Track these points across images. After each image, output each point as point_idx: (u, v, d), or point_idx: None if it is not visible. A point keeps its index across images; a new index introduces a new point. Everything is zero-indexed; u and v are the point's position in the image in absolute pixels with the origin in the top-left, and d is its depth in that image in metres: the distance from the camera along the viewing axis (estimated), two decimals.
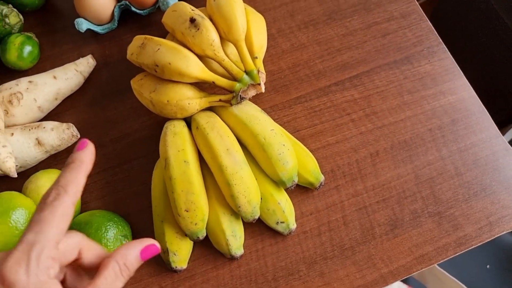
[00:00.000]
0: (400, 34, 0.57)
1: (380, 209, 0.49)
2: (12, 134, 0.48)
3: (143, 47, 0.45)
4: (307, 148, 0.51)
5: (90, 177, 0.50)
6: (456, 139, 0.52)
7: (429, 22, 0.57)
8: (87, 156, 0.28)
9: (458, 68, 0.55)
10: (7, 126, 0.50)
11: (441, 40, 0.56)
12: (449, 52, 0.56)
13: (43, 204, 0.26)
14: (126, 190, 0.50)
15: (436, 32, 0.57)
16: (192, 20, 0.44)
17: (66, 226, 0.26)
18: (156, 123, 0.53)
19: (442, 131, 0.52)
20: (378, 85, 0.54)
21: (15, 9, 0.54)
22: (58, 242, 0.26)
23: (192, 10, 0.45)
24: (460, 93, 0.54)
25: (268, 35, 0.57)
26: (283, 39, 0.57)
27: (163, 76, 0.44)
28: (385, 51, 0.56)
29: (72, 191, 0.27)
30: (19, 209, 0.42)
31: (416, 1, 0.58)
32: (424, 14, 0.58)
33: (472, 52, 1.12)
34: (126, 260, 0.28)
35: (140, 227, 0.49)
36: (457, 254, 0.47)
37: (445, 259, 0.47)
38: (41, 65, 0.56)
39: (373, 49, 0.56)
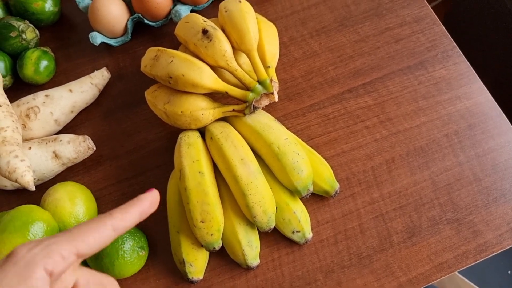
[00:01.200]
0: (413, 39, 0.56)
1: (397, 217, 0.48)
2: (30, 147, 0.49)
3: (156, 59, 0.45)
4: (322, 156, 0.50)
5: (106, 188, 0.51)
6: (473, 144, 0.51)
7: (443, 26, 0.57)
8: (147, 197, 0.30)
9: (474, 72, 0.54)
10: (24, 140, 0.51)
11: (455, 44, 0.56)
12: (463, 56, 0.55)
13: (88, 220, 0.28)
14: None
15: (450, 36, 0.56)
16: (205, 31, 0.44)
17: (95, 243, 0.26)
18: (169, 133, 0.54)
19: (459, 136, 0.51)
20: (392, 91, 0.54)
21: (31, 25, 0.55)
22: (79, 252, 0.26)
23: (204, 21, 0.45)
24: (477, 97, 0.53)
25: (280, 43, 0.57)
26: (295, 47, 0.57)
27: (176, 87, 0.45)
28: (398, 56, 0.55)
29: (116, 216, 0.28)
30: (38, 222, 0.42)
31: (428, 6, 0.58)
32: (437, 18, 0.57)
33: (487, 55, 1.11)
34: None
35: (156, 238, 0.49)
36: (478, 261, 0.46)
37: (465, 267, 0.46)
38: (57, 79, 0.57)
39: (386, 55, 0.55)
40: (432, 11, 0.57)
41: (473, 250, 0.47)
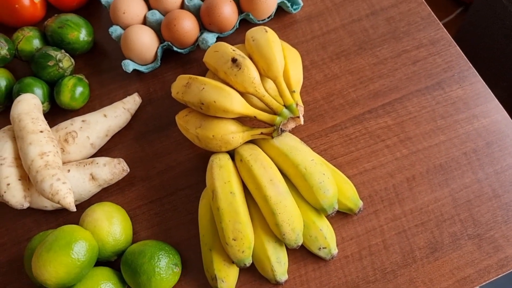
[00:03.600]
0: (430, 60, 0.58)
1: (419, 233, 0.50)
2: (69, 170, 0.52)
3: (188, 86, 0.48)
4: (344, 174, 0.53)
5: (139, 208, 0.54)
6: (491, 161, 0.53)
7: (458, 47, 0.59)
8: None
9: (490, 91, 0.56)
10: (63, 163, 0.54)
11: (470, 64, 0.58)
12: (479, 76, 0.57)
13: None
14: (174, 220, 0.53)
15: (465, 57, 0.58)
16: (234, 60, 0.47)
17: None
18: (198, 155, 0.56)
19: (477, 154, 0.53)
20: (411, 111, 0.56)
21: (67, 54, 0.59)
22: None
23: (233, 50, 0.48)
24: (493, 115, 0.55)
25: (302, 67, 0.59)
26: (316, 70, 0.59)
27: (208, 112, 0.48)
28: (416, 77, 0.58)
29: None
30: (80, 241, 0.45)
31: (444, 28, 0.60)
32: (452, 40, 0.59)
33: (499, 69, 1.12)
34: None
35: (189, 255, 0.51)
36: (499, 276, 0.48)
37: (487, 281, 0.48)
38: (91, 104, 0.61)
39: (404, 77, 0.58)
40: (448, 33, 0.60)
41: (495, 265, 0.48)
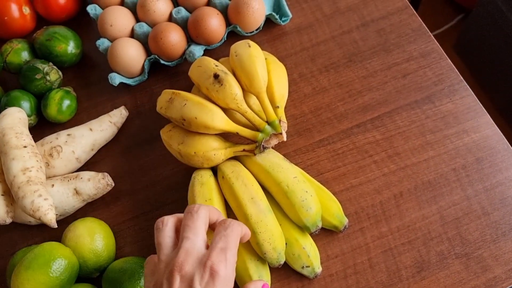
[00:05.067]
0: (420, 73, 0.57)
1: (406, 251, 0.49)
2: (53, 185, 0.52)
3: (171, 102, 0.48)
4: (331, 190, 0.52)
5: (124, 223, 0.54)
6: (481, 178, 0.52)
7: (449, 60, 0.58)
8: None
9: (481, 105, 0.55)
10: (47, 177, 0.53)
11: (462, 78, 0.57)
12: (470, 90, 0.56)
13: (223, 226, 0.37)
14: None
15: (456, 70, 0.57)
16: (216, 76, 0.46)
17: (237, 243, 0.37)
18: (184, 169, 0.56)
19: (467, 170, 0.52)
20: (400, 126, 0.55)
21: (55, 67, 0.59)
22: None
23: (216, 66, 0.48)
24: (484, 131, 0.54)
25: (290, 79, 0.59)
26: (304, 83, 0.59)
27: (190, 128, 0.47)
28: (406, 91, 0.57)
29: (234, 236, 0.36)
30: (59, 259, 0.45)
31: (435, 40, 0.59)
32: (443, 53, 0.58)
33: (498, 78, 1.11)
34: None
35: None
36: None
37: None
38: (79, 117, 0.60)
39: (393, 90, 0.57)
40: (439, 45, 0.59)
41: (482, 285, 0.47)
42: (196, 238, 0.35)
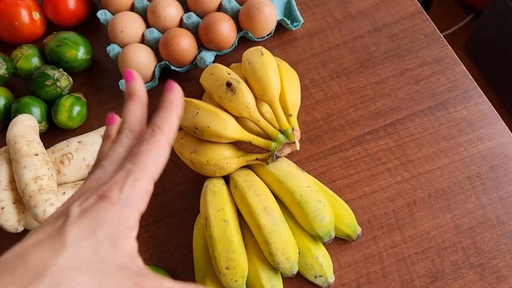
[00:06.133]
0: (433, 79, 0.57)
1: (419, 261, 0.49)
2: (64, 193, 0.51)
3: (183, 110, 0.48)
4: (343, 198, 0.52)
5: None
6: (496, 186, 0.51)
7: (463, 65, 0.57)
8: (176, 98, 0.30)
9: (495, 112, 0.54)
10: (58, 185, 0.53)
11: (476, 84, 0.56)
12: (485, 96, 0.55)
13: (140, 140, 0.27)
14: (170, 243, 0.53)
15: (470, 76, 0.57)
16: (229, 84, 0.46)
17: (161, 163, 0.27)
18: (195, 177, 0.55)
19: (481, 178, 0.51)
20: (413, 133, 0.54)
21: (65, 73, 0.59)
22: (154, 179, 0.27)
23: (228, 74, 0.47)
24: (499, 138, 0.53)
25: (301, 85, 0.58)
26: (316, 89, 0.58)
27: (202, 137, 0.47)
28: (419, 97, 0.56)
29: (166, 129, 0.28)
30: None
31: (449, 46, 0.58)
32: (457, 58, 0.58)
33: (511, 81, 1.09)
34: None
35: (183, 280, 0.51)
36: None
37: None
38: (89, 123, 0.60)
39: (406, 96, 0.56)
40: (453, 51, 0.58)
41: None
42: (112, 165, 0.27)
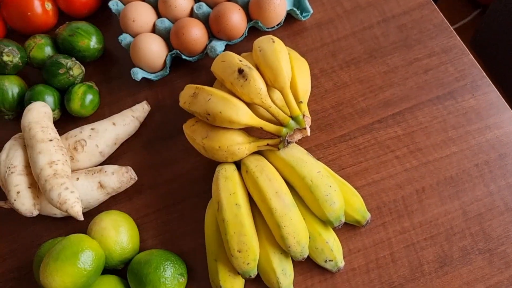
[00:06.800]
0: (442, 69, 0.57)
1: (428, 246, 0.49)
2: (78, 178, 0.52)
3: (195, 97, 0.48)
4: (352, 185, 0.52)
5: (147, 216, 0.54)
6: (504, 174, 0.51)
7: (471, 55, 0.58)
8: None
9: (504, 101, 0.55)
10: (72, 171, 0.54)
11: (484, 73, 0.57)
12: (493, 85, 0.56)
13: None
14: (181, 228, 0.53)
15: (479, 66, 0.57)
16: (240, 71, 0.47)
17: None
18: (206, 163, 0.56)
19: (490, 166, 0.52)
20: (421, 121, 0.55)
21: (77, 62, 0.60)
22: None
23: (240, 61, 0.48)
24: (507, 126, 0.53)
25: (311, 75, 0.59)
26: (325, 79, 0.59)
27: (214, 123, 0.47)
28: (427, 87, 0.57)
29: None
30: (87, 251, 0.45)
31: (457, 36, 0.59)
32: (465, 48, 0.58)
33: None
34: None
35: (195, 264, 0.52)
36: None
37: None
38: (101, 111, 0.61)
39: (415, 86, 0.57)
40: (461, 41, 0.59)
41: (506, 281, 0.47)
42: None
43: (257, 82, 0.46)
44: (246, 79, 0.46)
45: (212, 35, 0.60)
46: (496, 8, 1.09)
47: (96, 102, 0.60)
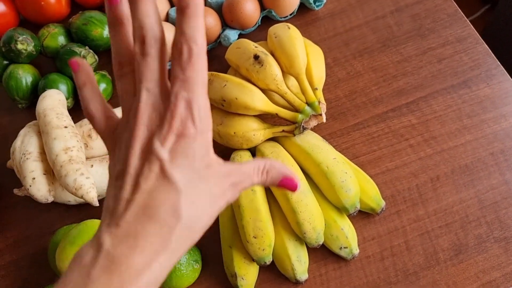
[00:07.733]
0: (456, 58, 0.57)
1: (443, 234, 0.49)
2: (92, 165, 0.52)
3: (210, 83, 0.48)
4: (367, 174, 0.52)
5: None
6: None
7: (486, 45, 0.57)
8: None
9: None
10: (86, 158, 0.54)
11: (499, 62, 0.56)
12: (508, 75, 0.56)
13: (180, 62, 0.25)
14: None
15: (493, 55, 0.57)
16: (256, 57, 0.47)
17: (206, 78, 0.26)
18: (220, 151, 0.55)
19: (505, 154, 0.52)
20: (436, 110, 0.55)
21: (91, 51, 0.60)
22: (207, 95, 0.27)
23: (255, 47, 0.48)
24: None
25: (324, 64, 0.59)
26: (339, 68, 0.59)
27: (229, 109, 0.47)
28: (441, 76, 0.56)
29: (200, 41, 0.25)
30: None
31: (471, 25, 0.59)
32: (480, 37, 0.58)
33: None
34: (270, 168, 0.29)
35: (209, 251, 0.51)
36: None
37: None
38: (114, 100, 0.61)
39: (429, 75, 0.57)
40: (475, 30, 0.58)
41: None
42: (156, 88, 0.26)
43: (273, 68, 0.46)
44: (262, 65, 0.46)
45: (225, 24, 0.60)
46: (505, 4, 1.08)
47: (109, 91, 0.60)
